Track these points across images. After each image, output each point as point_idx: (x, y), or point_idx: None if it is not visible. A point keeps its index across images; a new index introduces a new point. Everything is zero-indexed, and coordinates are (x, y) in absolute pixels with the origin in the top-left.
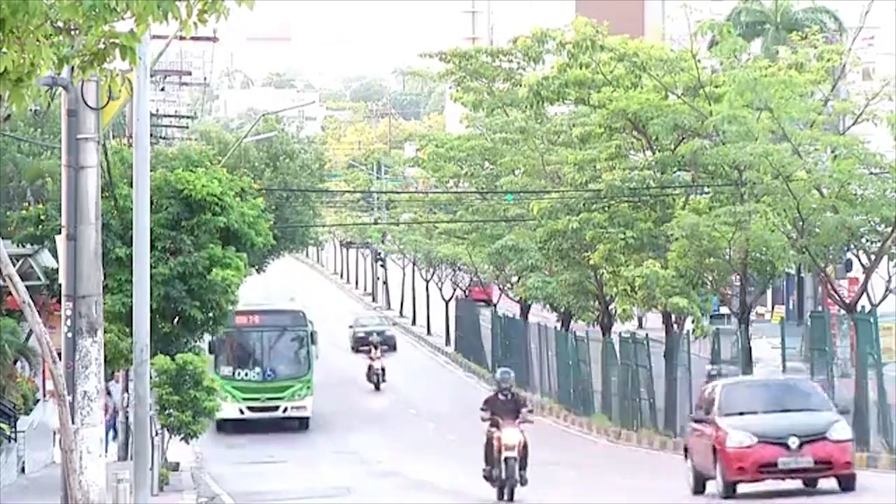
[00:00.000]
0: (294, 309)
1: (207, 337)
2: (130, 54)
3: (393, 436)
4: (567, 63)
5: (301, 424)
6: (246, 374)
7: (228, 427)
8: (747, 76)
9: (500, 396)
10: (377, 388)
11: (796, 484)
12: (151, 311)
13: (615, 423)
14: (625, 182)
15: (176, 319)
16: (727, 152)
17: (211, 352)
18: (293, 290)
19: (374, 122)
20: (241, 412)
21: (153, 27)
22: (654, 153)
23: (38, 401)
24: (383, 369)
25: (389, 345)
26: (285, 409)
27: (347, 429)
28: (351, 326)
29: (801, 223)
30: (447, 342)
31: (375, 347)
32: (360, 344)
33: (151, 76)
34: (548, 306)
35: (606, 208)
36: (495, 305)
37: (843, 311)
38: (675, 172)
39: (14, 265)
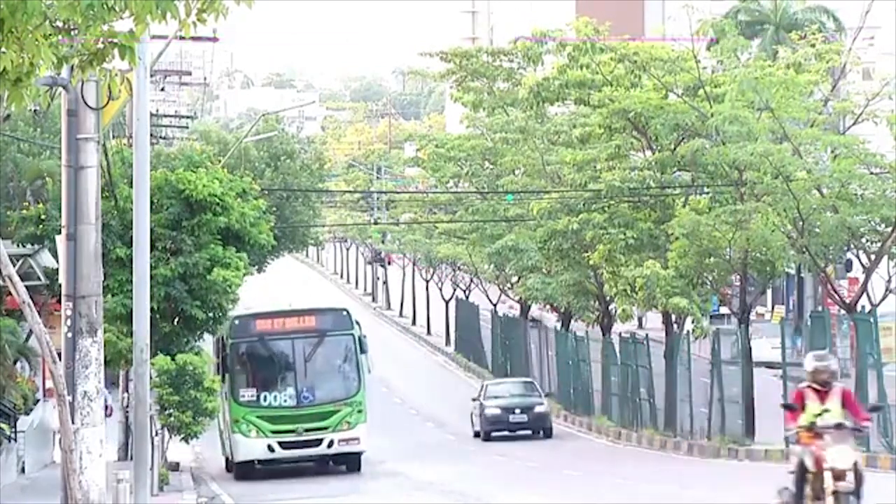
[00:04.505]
0: (335, 308)
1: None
2: (129, 54)
3: (395, 437)
4: (567, 64)
5: (351, 464)
6: (275, 399)
7: (250, 471)
8: (748, 76)
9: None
10: None
11: None
12: (152, 311)
13: (615, 423)
14: (625, 182)
15: (176, 319)
16: (727, 152)
17: (224, 371)
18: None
19: (374, 122)
20: (271, 450)
21: (153, 27)
22: (654, 153)
23: (38, 401)
24: (859, 475)
25: (539, 428)
26: (331, 444)
27: None
28: (476, 399)
29: (801, 223)
30: (447, 342)
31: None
32: (496, 427)
33: (151, 76)
34: (548, 306)
35: (606, 208)
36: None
37: (843, 311)
38: (675, 172)
39: (14, 265)
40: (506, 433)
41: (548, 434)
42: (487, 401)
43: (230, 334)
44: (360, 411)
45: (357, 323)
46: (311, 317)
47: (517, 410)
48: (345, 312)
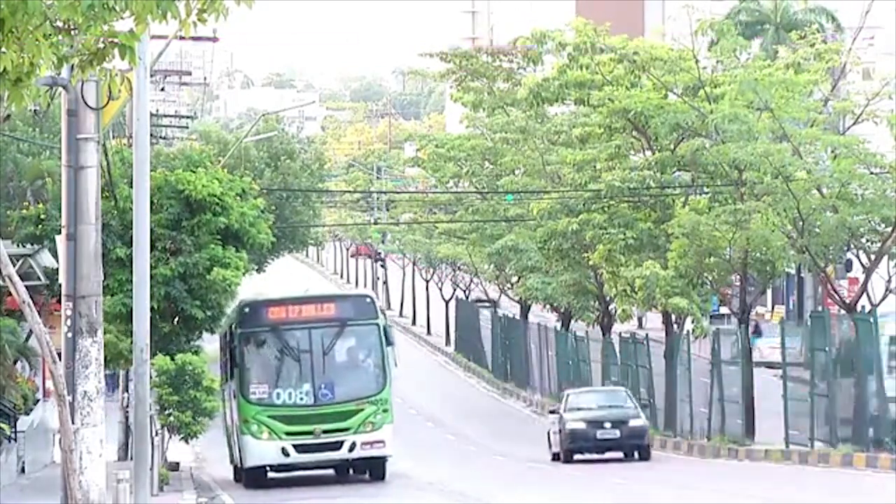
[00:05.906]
0: (358, 294)
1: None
2: (129, 54)
3: (396, 437)
4: (567, 65)
5: (375, 472)
6: (290, 396)
7: (261, 479)
8: (749, 76)
9: None
10: None
11: None
12: (152, 310)
13: None
14: (625, 182)
15: (176, 319)
16: (727, 151)
17: (232, 365)
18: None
19: (374, 122)
20: (285, 453)
21: (153, 27)
22: (654, 153)
23: (38, 401)
24: None
25: (633, 448)
26: (353, 447)
27: None
28: (554, 411)
29: (801, 223)
30: (447, 342)
31: None
32: (579, 446)
33: (151, 76)
34: (548, 306)
35: (606, 209)
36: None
37: (843, 311)
38: (675, 172)
39: (14, 265)
40: (592, 454)
41: (644, 456)
42: (568, 414)
43: (239, 323)
44: (385, 410)
45: (382, 311)
46: (331, 304)
47: (606, 425)
48: (368, 299)
